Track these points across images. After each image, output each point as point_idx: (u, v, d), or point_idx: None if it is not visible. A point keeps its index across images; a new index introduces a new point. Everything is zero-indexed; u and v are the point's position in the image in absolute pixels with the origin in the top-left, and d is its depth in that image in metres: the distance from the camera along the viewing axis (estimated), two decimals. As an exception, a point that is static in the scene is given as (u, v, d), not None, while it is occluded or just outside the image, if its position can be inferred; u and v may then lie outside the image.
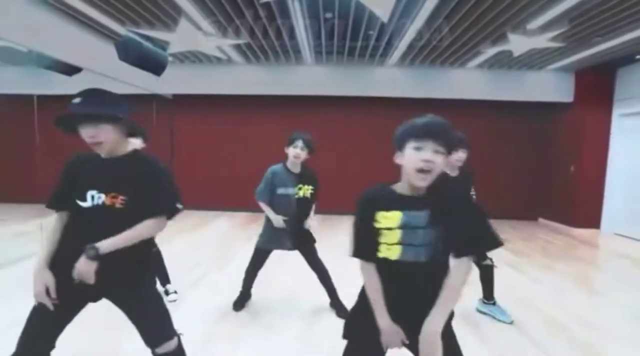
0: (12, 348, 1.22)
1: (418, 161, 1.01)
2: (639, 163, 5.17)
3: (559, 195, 6.08)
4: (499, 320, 2.47)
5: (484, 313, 2.56)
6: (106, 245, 1.17)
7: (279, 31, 4.34)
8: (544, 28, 3.93)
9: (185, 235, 4.74)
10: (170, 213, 1.29)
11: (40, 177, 5.89)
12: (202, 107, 6.56)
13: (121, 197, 1.22)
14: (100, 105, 1.23)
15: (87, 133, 1.21)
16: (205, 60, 5.77)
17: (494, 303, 2.55)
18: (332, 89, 5.95)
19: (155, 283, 1.47)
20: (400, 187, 1.10)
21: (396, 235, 1.04)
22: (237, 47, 5.03)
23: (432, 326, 0.98)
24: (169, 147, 6.59)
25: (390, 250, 1.05)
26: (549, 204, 6.35)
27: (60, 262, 1.23)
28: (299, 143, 2.30)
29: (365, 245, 1.09)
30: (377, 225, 1.06)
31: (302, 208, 2.40)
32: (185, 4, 3.59)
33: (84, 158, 1.30)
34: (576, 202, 5.73)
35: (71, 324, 1.31)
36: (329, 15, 3.90)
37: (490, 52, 4.85)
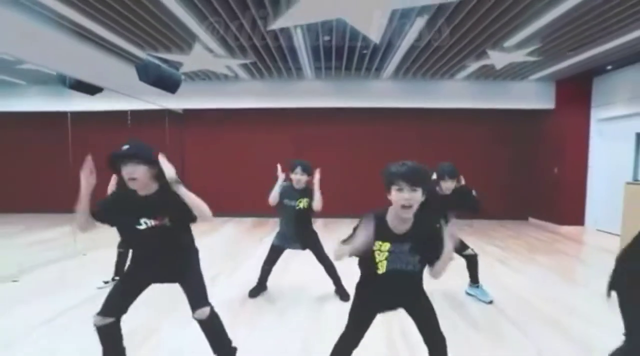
0: (51, 338, 1.65)
1: (401, 200, 1.37)
2: (616, 163, 5.59)
3: (546, 195, 6.50)
4: (481, 300, 2.87)
5: (471, 295, 2.98)
6: (183, 190, 1.64)
7: (282, 52, 4.81)
8: (520, 45, 4.40)
9: (199, 238, 5.11)
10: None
11: (71, 188, 6.31)
12: (211, 120, 7.02)
13: (165, 218, 1.69)
14: (140, 151, 1.66)
15: (127, 170, 1.62)
16: (214, 77, 6.25)
17: (478, 286, 2.96)
18: (331, 101, 6.42)
19: (199, 263, 1.88)
20: (391, 219, 1.45)
21: (385, 255, 1.46)
22: (244, 66, 5.51)
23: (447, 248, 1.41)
24: (179, 157, 7.04)
25: (379, 263, 1.47)
26: (537, 204, 6.76)
27: (134, 263, 1.79)
28: (298, 170, 2.82)
29: (363, 263, 1.55)
30: (373, 248, 1.45)
31: (300, 217, 2.88)
32: (199, 31, 4.05)
33: (124, 196, 1.70)
34: (561, 201, 6.14)
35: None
36: (327, 38, 4.37)
37: (474, 65, 5.32)
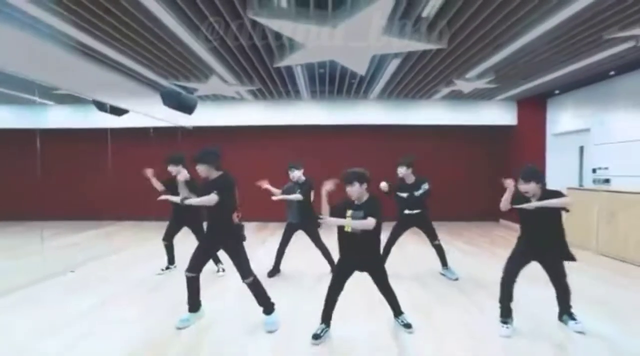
0: (88, 328, 2.49)
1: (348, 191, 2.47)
2: (567, 172, 6.59)
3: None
4: (449, 278, 3.78)
5: (443, 275, 3.89)
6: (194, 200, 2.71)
7: (284, 80, 5.73)
8: (479, 76, 5.39)
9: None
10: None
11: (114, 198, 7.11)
12: (218, 136, 7.86)
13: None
14: (204, 156, 2.71)
15: (199, 169, 2.74)
16: (222, 98, 7.14)
17: (447, 268, 3.89)
18: (325, 119, 7.35)
19: (241, 241, 2.74)
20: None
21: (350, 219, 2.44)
22: (250, 91, 6.42)
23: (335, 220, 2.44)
24: (189, 169, 7.85)
25: (347, 227, 2.43)
26: (506, 207, 7.72)
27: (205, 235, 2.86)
28: (293, 170, 3.92)
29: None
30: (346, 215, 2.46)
31: (299, 205, 3.82)
32: (217, 66, 4.93)
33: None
34: (524, 204, 7.11)
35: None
36: (321, 70, 5.31)
37: (445, 90, 6.31)
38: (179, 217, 3.92)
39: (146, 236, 6.36)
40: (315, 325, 2.56)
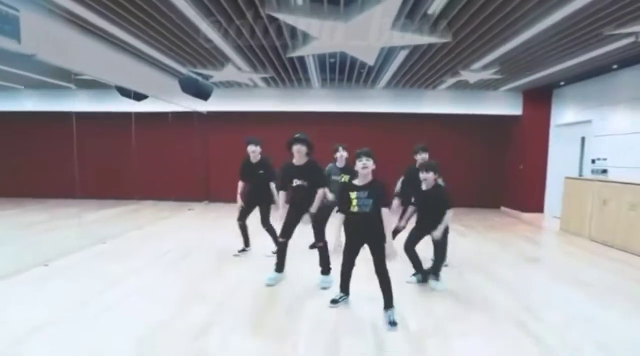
0: (114, 304, 2.92)
1: (360, 165, 2.61)
2: (568, 162, 6.80)
3: (513, 187, 7.72)
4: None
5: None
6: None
7: (296, 69, 5.98)
8: (484, 67, 5.57)
9: (228, 221, 6.39)
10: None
11: (134, 179, 7.57)
12: (231, 121, 8.20)
13: (307, 182, 3.15)
14: (308, 139, 3.14)
15: (296, 148, 3.13)
16: (235, 85, 7.42)
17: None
18: (334, 107, 7.61)
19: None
20: (357, 180, 2.68)
21: (354, 201, 2.61)
22: (264, 78, 6.68)
23: (388, 239, 2.58)
24: (204, 152, 8.25)
25: (352, 207, 2.62)
26: (507, 195, 7.99)
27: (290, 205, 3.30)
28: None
29: (343, 206, 2.70)
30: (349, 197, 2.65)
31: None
32: (233, 55, 5.20)
33: (288, 165, 3.26)
34: (525, 192, 7.37)
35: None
36: (332, 60, 5.55)
37: (451, 80, 6.49)
38: (253, 199, 4.11)
39: (165, 215, 6.82)
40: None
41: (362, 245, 2.77)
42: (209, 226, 5.96)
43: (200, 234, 5.30)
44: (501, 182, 8.12)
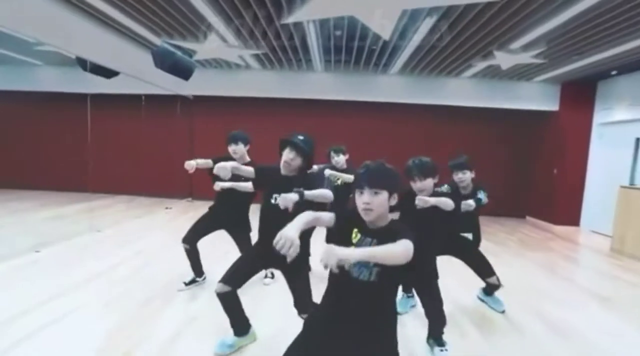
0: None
1: (360, 203, 1.23)
2: (614, 168, 5.72)
3: (544, 195, 6.66)
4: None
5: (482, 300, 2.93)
6: (309, 193, 1.76)
7: (294, 45, 4.95)
8: (526, 47, 4.50)
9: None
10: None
11: (87, 167, 6.59)
12: (220, 107, 7.18)
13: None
14: (306, 144, 1.91)
15: (289, 156, 1.90)
16: (225, 66, 6.40)
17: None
18: (339, 94, 6.56)
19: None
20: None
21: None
22: (256, 56, 5.65)
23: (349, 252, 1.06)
24: (189, 141, 7.24)
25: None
26: (535, 203, 6.92)
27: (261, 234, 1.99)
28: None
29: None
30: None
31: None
32: (215, 20, 4.19)
33: (272, 170, 2.00)
34: (558, 201, 6.30)
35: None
36: (338, 32, 4.50)
37: (480, 65, 5.43)
38: (222, 218, 2.90)
39: (137, 213, 5.83)
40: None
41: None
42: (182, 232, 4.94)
43: (166, 244, 4.27)
44: (529, 188, 7.04)
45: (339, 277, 1.18)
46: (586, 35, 4.02)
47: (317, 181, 1.98)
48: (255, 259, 2.01)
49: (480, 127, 7.00)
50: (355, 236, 1.27)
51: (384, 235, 1.21)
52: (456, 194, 2.36)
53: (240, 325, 2.05)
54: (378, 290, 1.21)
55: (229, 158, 2.75)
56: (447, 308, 2.18)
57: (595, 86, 6.07)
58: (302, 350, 1.29)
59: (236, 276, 1.96)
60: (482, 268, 2.64)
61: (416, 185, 2.01)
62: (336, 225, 1.29)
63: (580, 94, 6.13)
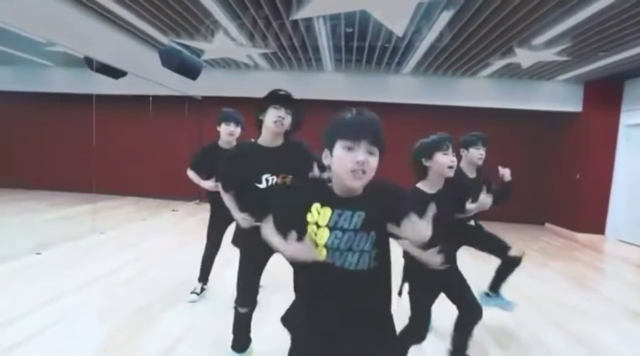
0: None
1: (349, 162, 0.90)
2: (644, 172, 5.37)
3: (565, 201, 6.31)
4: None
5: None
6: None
7: (304, 43, 4.79)
8: (549, 43, 4.24)
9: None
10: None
11: (93, 168, 6.56)
12: (229, 107, 7.07)
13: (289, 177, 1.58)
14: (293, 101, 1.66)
15: (278, 114, 1.59)
16: (234, 66, 6.29)
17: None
18: (350, 95, 6.37)
19: None
20: (335, 188, 0.98)
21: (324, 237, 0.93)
22: (265, 55, 5.52)
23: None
24: (197, 142, 7.16)
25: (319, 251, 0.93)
26: (555, 210, 6.57)
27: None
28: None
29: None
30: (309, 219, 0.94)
31: None
32: (222, 18, 4.07)
33: (250, 146, 1.65)
34: (581, 208, 5.95)
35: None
36: (349, 29, 4.32)
37: (499, 63, 5.17)
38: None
39: (142, 215, 5.75)
40: None
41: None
42: (187, 235, 4.82)
43: (170, 247, 4.15)
44: (548, 193, 6.70)
45: (321, 270, 0.91)
46: (614, 30, 3.75)
47: (306, 155, 1.65)
48: (256, 266, 1.76)
49: (497, 129, 6.66)
50: (319, 213, 0.94)
51: (372, 201, 0.93)
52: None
53: (244, 341, 1.87)
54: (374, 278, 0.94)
55: (216, 147, 2.64)
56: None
57: (622, 85, 5.72)
58: None
59: (252, 293, 1.76)
60: (499, 245, 2.41)
61: (451, 158, 1.66)
62: (279, 211, 0.99)
63: (606, 94, 5.79)
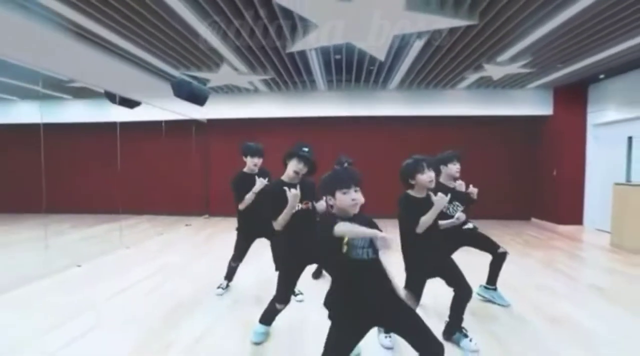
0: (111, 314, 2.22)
1: (349, 200, 1.53)
2: (611, 166, 5.93)
3: (546, 196, 6.86)
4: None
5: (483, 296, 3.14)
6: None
7: (298, 69, 5.42)
8: (512, 59, 4.86)
9: (229, 232, 5.77)
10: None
11: (119, 192, 7.11)
12: (232, 128, 7.68)
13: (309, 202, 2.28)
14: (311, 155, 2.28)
15: (298, 167, 2.24)
16: (236, 90, 6.92)
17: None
18: (342, 111, 6.99)
19: None
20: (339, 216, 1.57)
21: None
22: (264, 81, 6.15)
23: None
24: (204, 162, 7.73)
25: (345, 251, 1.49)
26: (539, 205, 7.11)
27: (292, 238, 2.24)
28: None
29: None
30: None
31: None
32: (227, 54, 4.68)
33: (280, 184, 2.24)
34: (560, 202, 6.49)
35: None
36: (337, 56, 4.95)
37: (473, 77, 5.80)
38: (255, 228, 3.19)
39: (159, 230, 6.25)
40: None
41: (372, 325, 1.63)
42: (201, 246, 5.33)
43: (186, 256, 4.66)
44: (532, 191, 7.26)
45: (347, 265, 1.50)
46: (567, 45, 4.35)
47: (312, 186, 2.30)
48: (295, 267, 2.30)
49: (479, 134, 7.30)
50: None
51: (363, 220, 1.54)
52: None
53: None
54: (379, 264, 1.57)
55: (248, 174, 3.14)
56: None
57: (586, 89, 6.35)
58: (348, 338, 1.53)
59: (289, 295, 2.33)
60: (490, 243, 2.93)
61: (429, 175, 2.11)
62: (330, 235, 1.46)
63: (573, 98, 6.42)
